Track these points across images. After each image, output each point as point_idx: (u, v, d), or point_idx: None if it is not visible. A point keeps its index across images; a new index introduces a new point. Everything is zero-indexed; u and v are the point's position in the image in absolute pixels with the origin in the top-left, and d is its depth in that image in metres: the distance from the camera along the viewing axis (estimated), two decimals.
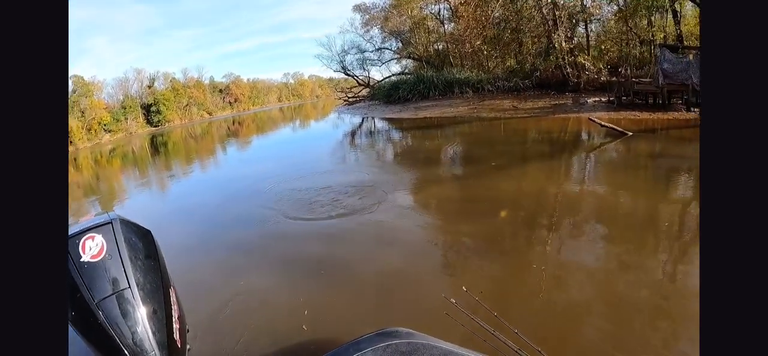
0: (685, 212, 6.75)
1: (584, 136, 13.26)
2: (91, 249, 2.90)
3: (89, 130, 48.22)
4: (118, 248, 2.96)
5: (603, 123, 12.53)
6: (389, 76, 35.31)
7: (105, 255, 2.90)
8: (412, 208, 8.22)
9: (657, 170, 9.23)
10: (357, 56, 39.00)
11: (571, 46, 22.54)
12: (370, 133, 21.81)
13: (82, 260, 2.85)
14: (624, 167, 9.58)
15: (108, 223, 3.08)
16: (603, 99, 18.26)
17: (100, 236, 2.98)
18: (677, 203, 7.21)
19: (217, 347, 4.28)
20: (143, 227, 3.36)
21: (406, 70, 35.75)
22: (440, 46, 33.44)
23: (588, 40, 23.89)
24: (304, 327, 4.39)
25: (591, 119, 13.26)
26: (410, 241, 6.51)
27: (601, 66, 21.63)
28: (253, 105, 77.50)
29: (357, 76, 39.26)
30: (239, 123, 47.35)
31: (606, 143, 11.45)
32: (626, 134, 11.62)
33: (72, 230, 3.06)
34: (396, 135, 20.12)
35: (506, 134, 15.41)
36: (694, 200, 7.06)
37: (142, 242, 3.22)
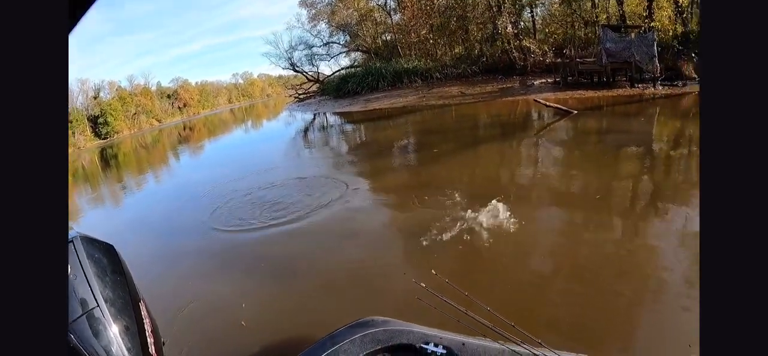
0: (634, 180, 6.89)
1: (531, 117, 13.49)
2: None
3: None
4: (82, 267, 2.78)
5: (548, 103, 12.70)
6: (339, 71, 35.00)
7: (70, 276, 2.71)
8: (370, 199, 8.22)
9: (603, 144, 9.45)
10: (305, 52, 38.34)
11: (517, 31, 22.79)
12: (323, 128, 21.63)
13: None
14: (571, 144, 9.75)
15: (69, 242, 2.86)
16: (549, 80, 18.57)
17: None
18: (626, 173, 7.38)
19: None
20: (105, 242, 3.17)
21: (356, 63, 35.49)
22: (388, 37, 33.34)
23: (534, 24, 24.23)
24: (274, 329, 4.39)
25: (536, 100, 13.44)
26: (373, 231, 6.56)
27: (546, 48, 21.96)
28: (203, 108, 75.56)
29: (306, 73, 38.76)
30: (190, 128, 46.25)
31: (553, 122, 11.63)
32: (571, 113, 11.79)
33: None
34: (348, 128, 20.04)
35: (456, 120, 15.55)
36: (641, 168, 7.22)
37: (106, 257, 3.04)
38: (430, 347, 2.29)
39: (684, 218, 5.47)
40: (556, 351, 2.08)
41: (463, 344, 2.30)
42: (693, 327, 3.63)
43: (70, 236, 2.98)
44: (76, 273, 2.77)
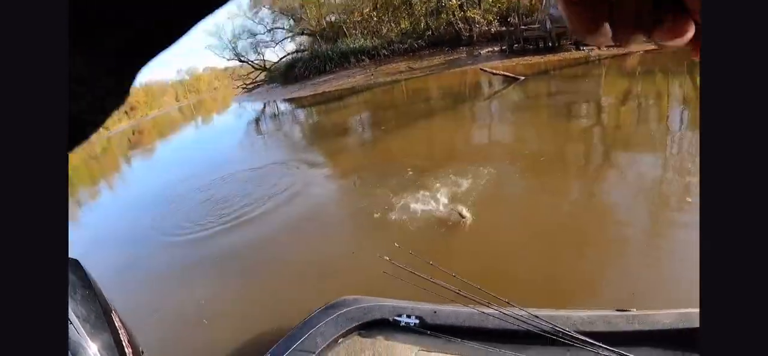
0: (584, 138, 6.98)
1: (480, 86, 13.57)
2: None
3: None
4: None
5: (495, 71, 12.80)
6: (285, 56, 34.31)
7: None
8: (325, 183, 8.20)
9: (553, 106, 9.53)
10: (249, 40, 37.27)
11: (461, 2, 22.79)
12: (274, 116, 21.29)
13: None
14: (521, 109, 9.85)
15: None
16: (496, 49, 18.72)
17: None
18: (576, 131, 7.47)
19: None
20: (71, 258, 3.05)
21: (302, 47, 34.85)
22: (333, 18, 32.85)
23: None
24: (245, 325, 4.33)
25: (482, 69, 13.50)
26: (330, 214, 6.65)
27: (491, 18, 22.04)
28: (150, 110, 73.39)
29: (252, 62, 37.86)
30: (139, 132, 44.97)
31: (502, 89, 11.71)
32: (519, 79, 11.89)
33: None
34: (299, 114, 19.81)
35: (406, 95, 15.61)
36: (591, 126, 7.32)
37: (74, 274, 3.01)
38: (403, 319, 2.36)
39: (635, 171, 5.64)
40: (524, 309, 2.14)
41: (435, 312, 2.37)
42: (635, 276, 3.61)
43: None
44: None
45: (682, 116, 7.79)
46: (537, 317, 2.15)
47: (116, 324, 2.93)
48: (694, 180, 5.23)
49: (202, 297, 5.19)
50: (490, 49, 19.00)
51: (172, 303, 5.40)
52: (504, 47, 18.14)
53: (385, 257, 2.37)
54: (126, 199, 13.38)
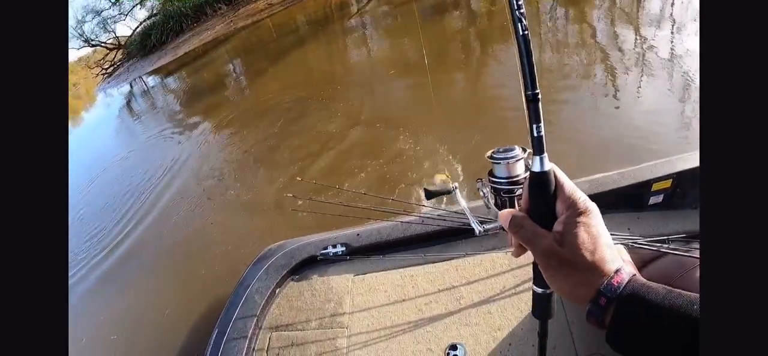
0: (453, 37, 7.23)
1: (345, 5, 13.41)
2: None
3: None
4: None
5: None
6: (138, 27, 31.92)
7: None
8: (213, 139, 8.11)
9: (425, 11, 9.67)
10: (96, 20, 34.14)
11: None
12: (144, 93, 19.99)
13: None
14: (387, 19, 9.91)
15: None
16: None
17: None
18: (448, 31, 7.70)
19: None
20: None
21: (154, 11, 32.55)
22: None
23: None
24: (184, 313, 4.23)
25: None
26: (228, 171, 6.45)
27: None
28: None
29: (104, 43, 34.90)
30: None
31: (365, 5, 11.70)
32: None
33: None
34: (169, 82, 18.90)
35: (272, 32, 15.26)
36: (463, 23, 7.56)
37: None
38: (330, 250, 2.41)
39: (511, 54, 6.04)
40: (442, 208, 2.30)
41: (358, 234, 2.44)
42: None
43: None
44: None
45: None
46: (456, 212, 2.27)
47: None
48: (566, 50, 5.72)
49: (143, 299, 5.03)
50: None
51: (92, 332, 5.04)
52: None
53: (289, 195, 2.46)
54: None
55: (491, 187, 0.83)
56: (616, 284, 0.61)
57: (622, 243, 1.87)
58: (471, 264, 2.19)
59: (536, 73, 0.66)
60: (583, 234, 0.63)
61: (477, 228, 0.97)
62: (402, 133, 5.07)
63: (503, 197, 0.81)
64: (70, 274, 6.45)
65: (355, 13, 11.95)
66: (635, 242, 1.83)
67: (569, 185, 0.67)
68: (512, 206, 0.80)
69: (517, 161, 0.78)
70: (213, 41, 19.58)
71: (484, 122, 4.95)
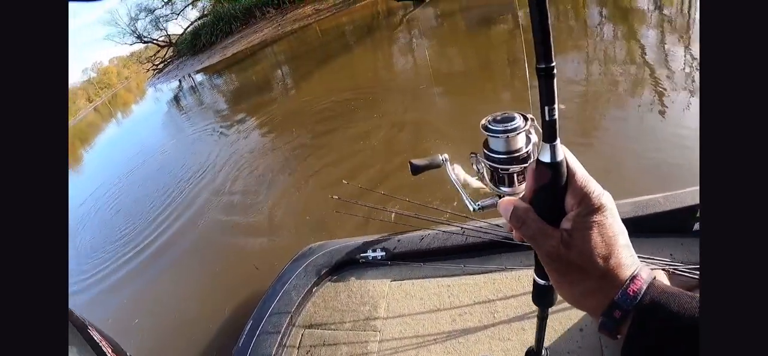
0: (503, 48, 7.12)
1: (391, 13, 13.40)
2: None
3: None
4: None
5: None
6: (189, 26, 32.92)
7: None
8: (261, 139, 8.20)
9: (466, 22, 9.59)
10: (148, 19, 35.25)
11: None
12: (192, 89, 20.71)
13: None
14: (433, 28, 9.87)
15: None
16: None
17: None
18: (497, 44, 7.61)
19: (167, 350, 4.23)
20: None
21: (205, 12, 33.43)
22: None
23: None
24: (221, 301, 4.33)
25: None
26: (275, 169, 6.48)
27: None
28: None
29: (156, 40, 36.08)
30: None
31: (409, 13, 11.73)
32: (424, 1, 11.91)
33: None
34: (216, 81, 19.42)
35: (319, 37, 15.44)
36: (509, 36, 7.48)
37: None
38: (370, 254, 2.40)
39: (560, 71, 5.90)
40: (484, 220, 2.23)
41: (399, 240, 2.41)
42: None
43: None
44: None
45: (601, 14, 7.99)
46: (498, 225, 2.21)
47: (95, 338, 3.12)
48: (619, 68, 5.59)
49: (170, 296, 5.17)
50: None
51: (145, 306, 5.28)
52: None
53: (334, 197, 2.38)
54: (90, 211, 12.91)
55: (486, 163, 0.72)
56: (632, 293, 0.53)
57: (663, 269, 1.80)
58: (509, 279, 2.17)
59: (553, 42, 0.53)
60: (595, 236, 0.54)
61: (470, 205, 0.84)
62: (445, 142, 5.02)
63: (501, 174, 0.71)
64: (101, 264, 6.81)
65: (401, 21, 11.92)
66: (677, 269, 1.78)
67: (582, 175, 0.57)
68: (511, 184, 0.70)
69: (517, 133, 0.66)
70: (260, 44, 19.98)
71: None
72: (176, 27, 37.77)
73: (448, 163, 1.09)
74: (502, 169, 0.70)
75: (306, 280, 2.43)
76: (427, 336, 2.05)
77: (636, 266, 0.56)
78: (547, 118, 0.55)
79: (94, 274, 6.66)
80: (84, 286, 6.44)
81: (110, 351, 2.77)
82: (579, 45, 6.71)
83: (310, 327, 2.23)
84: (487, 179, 0.75)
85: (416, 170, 1.23)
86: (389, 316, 2.16)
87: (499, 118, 0.69)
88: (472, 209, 0.85)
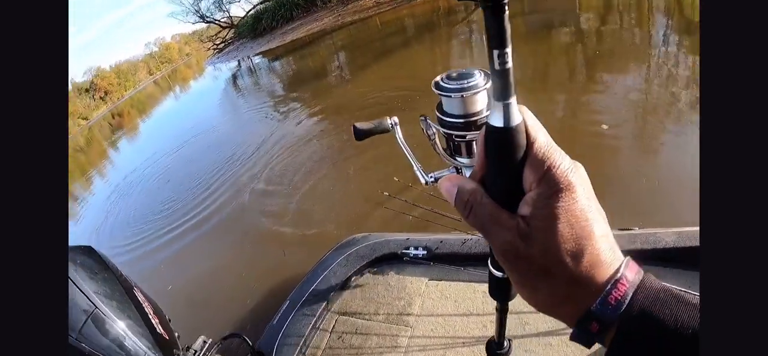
0: (567, 56, 6.94)
1: (453, 11, 13.26)
2: None
3: None
4: (70, 277, 2.83)
5: None
6: (251, 10, 33.65)
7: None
8: (312, 119, 8.41)
9: (528, 25, 9.44)
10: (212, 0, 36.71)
11: None
12: (250, 71, 21.36)
13: None
14: (482, 32, 9.70)
15: None
16: None
17: None
18: (556, 52, 7.45)
19: (199, 318, 4.33)
20: (82, 246, 3.18)
21: None
22: None
23: None
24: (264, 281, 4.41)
25: None
26: (322, 153, 6.63)
27: None
28: (125, 90, 71.99)
29: (218, 21, 37.12)
30: (119, 115, 44.09)
31: (473, 13, 11.58)
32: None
33: None
34: (274, 65, 19.85)
35: (378, 30, 15.52)
36: (574, 43, 7.28)
37: (89, 259, 3.08)
38: (411, 251, 2.41)
39: (621, 85, 5.70)
40: None
41: (441, 241, 2.40)
42: (634, 195, 3.79)
43: None
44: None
45: (667, 26, 7.66)
46: None
47: (140, 299, 3.08)
48: (681, 90, 5.32)
49: (215, 262, 5.36)
50: None
51: (190, 272, 5.51)
52: None
53: (385, 193, 2.45)
54: (118, 184, 13.13)
55: (439, 129, 0.60)
56: (614, 301, 0.41)
57: None
58: None
59: None
60: (563, 226, 0.41)
61: (422, 178, 0.73)
62: None
63: (456, 142, 0.58)
64: (145, 231, 7.22)
65: (461, 20, 11.82)
66: None
67: (544, 143, 0.43)
68: (469, 154, 0.58)
69: (476, 92, 0.54)
70: (320, 32, 20.21)
71: (579, 149, 4.58)
72: (239, 9, 38.94)
73: (398, 127, 1.03)
74: (457, 136, 0.57)
75: (347, 268, 2.48)
76: (456, 338, 2.06)
77: (619, 262, 0.43)
78: (496, 66, 0.41)
79: (137, 239, 7.06)
80: (128, 249, 6.84)
81: (152, 312, 2.98)
82: (642, 56, 6.47)
83: (345, 314, 2.28)
84: (440, 148, 0.65)
85: (360, 134, 1.11)
86: (422, 314, 2.17)
87: (454, 75, 0.57)
88: (424, 181, 0.75)
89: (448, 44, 9.95)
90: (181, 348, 3.02)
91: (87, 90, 68.14)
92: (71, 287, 2.78)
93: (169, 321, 3.25)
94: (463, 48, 9.14)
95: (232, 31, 35.27)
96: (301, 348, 2.19)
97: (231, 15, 36.75)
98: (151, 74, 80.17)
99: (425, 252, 2.39)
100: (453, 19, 12.28)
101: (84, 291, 2.75)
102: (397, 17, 16.03)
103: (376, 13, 18.24)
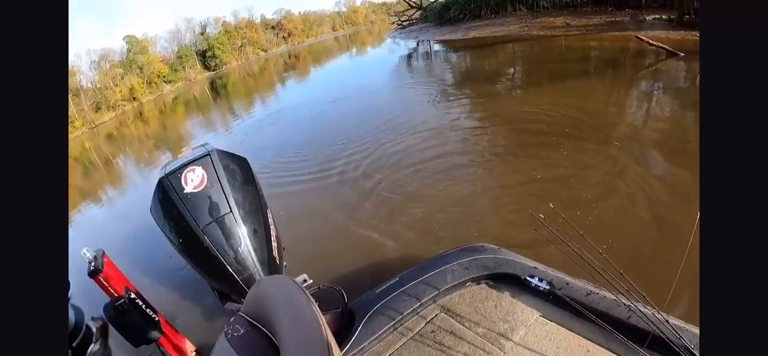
0: None
1: (641, 54, 12.63)
2: (192, 181, 3.15)
3: (150, 84, 51.05)
4: (218, 177, 3.20)
5: (651, 42, 12.05)
6: None
7: (206, 184, 3.14)
8: (474, 119, 8.58)
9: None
10: None
11: None
12: (426, 55, 22.04)
13: (185, 191, 3.10)
14: (676, 90, 9.14)
15: (206, 155, 3.31)
16: (663, 17, 17.33)
17: (200, 168, 3.22)
18: None
19: (310, 258, 4.63)
20: (239, 156, 3.59)
21: None
22: None
23: None
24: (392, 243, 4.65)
25: (638, 37, 12.82)
26: (472, 154, 6.64)
27: None
28: (306, 37, 77.75)
29: (409, 0, 38.39)
30: (295, 57, 47.65)
31: (657, 63, 11.03)
32: (678, 55, 11.10)
33: (174, 165, 3.31)
34: (451, 55, 20.27)
35: (560, 52, 15.14)
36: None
37: (239, 168, 3.45)
38: (535, 281, 2.32)
39: None
40: (662, 313, 2.00)
41: (567, 283, 2.28)
42: None
43: (207, 150, 3.39)
44: (212, 182, 3.16)
45: None
46: (668, 322, 1.99)
47: (269, 220, 3.30)
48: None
49: (318, 227, 5.56)
50: (657, 16, 17.62)
51: (311, 213, 5.91)
52: (673, 16, 16.79)
53: (540, 216, 2.22)
54: (282, 117, 14.26)
55: None
56: None
57: None
58: None
59: None
60: None
61: None
62: (674, 222, 4.19)
63: None
64: (274, 166, 7.98)
65: (647, 65, 11.18)
66: None
67: None
68: None
69: None
70: (503, 37, 20.08)
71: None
72: None
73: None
74: None
75: (466, 272, 2.45)
76: None
77: None
78: None
79: (273, 165, 8.00)
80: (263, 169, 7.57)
81: (274, 236, 3.28)
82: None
83: (448, 312, 2.27)
84: None
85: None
86: (521, 345, 2.09)
87: None
88: None
89: (628, 88, 9.40)
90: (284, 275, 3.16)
91: (273, 27, 74.38)
92: (216, 186, 3.17)
93: (284, 249, 3.55)
94: (641, 98, 8.64)
95: (420, 13, 36.22)
96: (395, 324, 2.23)
97: None
98: (333, 30, 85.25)
99: (548, 287, 2.27)
100: (640, 63, 11.58)
101: (225, 194, 3.14)
102: (584, 45, 15.43)
103: (563, 34, 17.75)
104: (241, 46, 65.29)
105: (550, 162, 5.74)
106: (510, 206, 4.93)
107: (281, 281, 1.55)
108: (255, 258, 3.02)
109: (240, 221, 3.08)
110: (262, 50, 68.98)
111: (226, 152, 3.53)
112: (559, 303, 2.22)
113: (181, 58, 57.53)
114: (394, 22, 42.24)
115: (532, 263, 2.46)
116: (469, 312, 2.27)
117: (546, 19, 21.86)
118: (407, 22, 37.31)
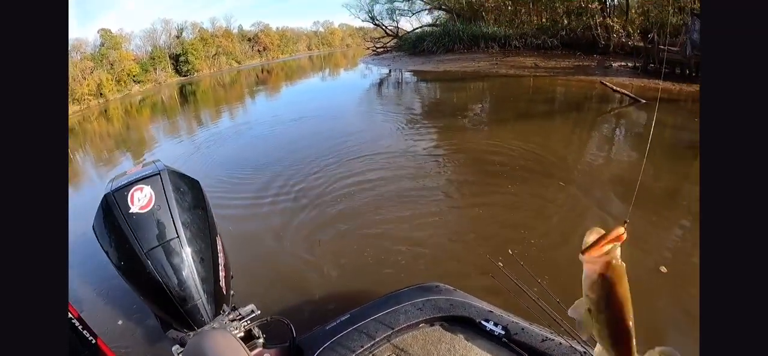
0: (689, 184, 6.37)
1: (605, 99, 12.93)
2: (139, 200, 2.95)
3: (118, 81, 49.18)
4: (166, 198, 3.01)
5: (614, 88, 12.41)
6: (418, 28, 34.93)
7: (154, 205, 2.95)
8: (438, 154, 8.46)
9: (673, 140, 8.80)
10: (386, 6, 38.27)
11: (602, 6, 21.94)
12: (397, 84, 22.23)
13: (130, 211, 2.89)
14: (638, 134, 9.28)
15: (156, 174, 3.11)
16: (629, 65, 17.87)
17: (149, 187, 3.02)
18: (682, 175, 6.93)
19: (254, 289, 4.43)
20: (191, 178, 3.41)
21: (438, 21, 35.02)
22: None
23: (628, 3, 22.92)
24: (335, 275, 4.56)
25: (602, 82, 13.18)
26: (434, 186, 6.58)
27: (631, 30, 20.99)
28: (282, 54, 77.75)
29: (385, 27, 38.83)
30: (268, 71, 47.58)
31: (620, 108, 11.30)
32: (639, 102, 11.42)
33: (120, 182, 3.09)
34: (421, 86, 20.47)
35: (527, 91, 15.44)
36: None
37: (190, 192, 3.28)
38: (490, 325, 2.27)
39: None
40: None
41: (523, 329, 2.25)
42: None
43: (157, 169, 3.19)
44: (160, 203, 2.97)
45: None
46: None
47: (218, 247, 3.17)
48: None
49: (271, 249, 5.42)
50: (623, 63, 18.18)
51: (266, 241, 5.66)
52: (638, 64, 17.29)
53: (499, 263, 2.31)
54: (243, 131, 14.14)
55: None
56: None
57: None
58: None
59: None
60: None
61: None
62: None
63: None
64: (239, 180, 7.88)
65: (610, 110, 11.47)
66: None
67: None
68: None
69: None
70: (473, 73, 20.41)
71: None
72: (407, 24, 40.34)
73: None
74: None
75: (420, 312, 2.39)
76: None
77: None
78: None
79: (227, 182, 7.88)
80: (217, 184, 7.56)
81: (222, 264, 3.14)
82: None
83: (401, 352, 2.21)
84: None
85: None
86: None
87: None
88: None
89: (590, 131, 9.62)
90: (229, 306, 3.08)
91: (249, 40, 74.28)
92: (163, 208, 2.98)
93: (232, 277, 3.40)
94: (602, 141, 8.80)
95: (394, 41, 36.66)
96: None
97: (398, 26, 38.39)
98: (309, 49, 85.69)
99: (503, 332, 2.23)
100: (603, 108, 11.84)
101: (173, 217, 2.96)
102: (551, 85, 15.79)
103: (531, 74, 18.13)
104: (215, 55, 64.65)
105: (510, 200, 5.76)
106: (469, 244, 4.86)
107: (221, 339, 1.50)
108: (200, 288, 2.85)
109: (187, 247, 2.91)
110: (236, 61, 68.58)
111: (178, 173, 3.34)
112: (514, 348, 2.17)
113: (154, 59, 56.52)
114: (369, 48, 42.68)
115: (487, 307, 2.41)
116: (422, 354, 2.18)
117: (516, 58, 22.34)
118: (381, 50, 37.71)
